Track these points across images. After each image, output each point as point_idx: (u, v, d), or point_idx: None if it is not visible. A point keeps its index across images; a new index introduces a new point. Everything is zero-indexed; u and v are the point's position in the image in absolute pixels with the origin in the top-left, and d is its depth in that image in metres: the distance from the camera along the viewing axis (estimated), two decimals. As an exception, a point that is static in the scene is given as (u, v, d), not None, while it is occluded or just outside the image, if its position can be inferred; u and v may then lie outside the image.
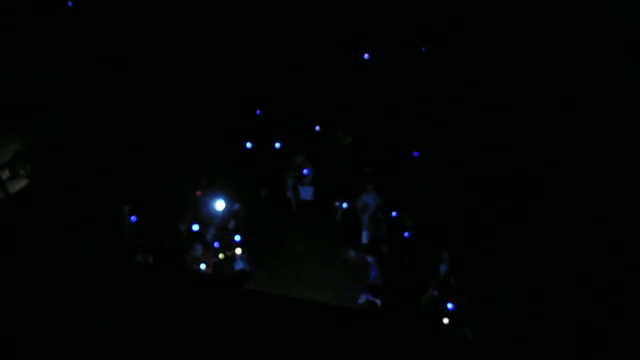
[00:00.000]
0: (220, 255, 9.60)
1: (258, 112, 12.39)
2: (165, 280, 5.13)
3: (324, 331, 4.66)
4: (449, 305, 8.64)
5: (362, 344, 4.60)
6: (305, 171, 11.36)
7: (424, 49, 12.73)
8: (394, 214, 10.35)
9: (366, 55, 13.26)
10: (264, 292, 7.58)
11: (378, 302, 9.15)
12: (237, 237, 9.79)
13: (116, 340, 4.42)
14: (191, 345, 4.41)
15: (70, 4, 12.64)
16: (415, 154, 11.36)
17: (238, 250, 9.65)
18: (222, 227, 10.12)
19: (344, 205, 11.23)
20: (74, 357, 4.44)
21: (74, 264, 5.67)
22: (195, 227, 9.84)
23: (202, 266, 9.28)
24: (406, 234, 9.96)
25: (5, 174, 10.48)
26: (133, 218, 9.79)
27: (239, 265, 9.55)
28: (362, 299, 9.14)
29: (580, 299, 8.21)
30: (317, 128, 12.15)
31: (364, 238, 10.59)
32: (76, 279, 5.20)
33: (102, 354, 4.32)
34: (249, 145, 11.77)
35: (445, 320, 8.54)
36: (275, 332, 4.58)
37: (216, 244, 9.73)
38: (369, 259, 9.73)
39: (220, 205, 9.97)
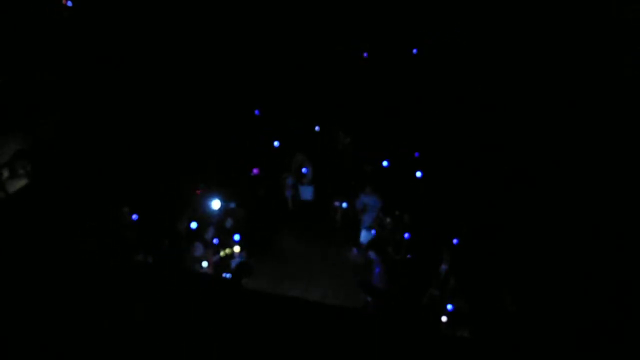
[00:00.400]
0: (222, 253, 9.60)
1: (256, 112, 12.39)
2: (165, 280, 5.12)
3: (324, 331, 4.65)
4: (449, 306, 8.64)
5: (362, 344, 4.60)
6: (304, 170, 11.37)
7: (420, 49, 12.71)
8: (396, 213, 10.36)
9: (365, 54, 13.25)
10: (264, 292, 7.60)
11: (369, 298, 9.14)
12: (237, 237, 9.81)
13: (116, 340, 4.42)
14: (191, 345, 4.40)
15: (69, 3, 12.61)
16: (416, 154, 11.36)
17: (236, 249, 9.67)
18: (220, 226, 10.12)
19: (344, 205, 11.25)
20: (73, 357, 4.43)
21: (73, 264, 5.67)
22: (194, 226, 9.84)
23: (204, 264, 9.27)
24: (406, 235, 9.97)
25: (5, 173, 10.47)
26: (134, 217, 9.78)
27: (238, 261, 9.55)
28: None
29: (581, 299, 8.20)
30: (317, 128, 12.15)
31: (362, 238, 10.60)
32: (76, 278, 5.20)
33: (102, 354, 4.32)
34: (249, 144, 11.79)
35: (444, 319, 8.53)
36: (275, 332, 4.57)
37: (215, 241, 9.74)
38: (372, 254, 9.76)
39: (216, 204, 10.00)
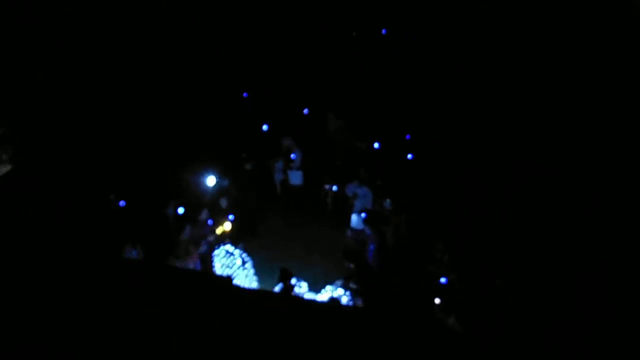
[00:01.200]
0: (218, 231, 9.55)
1: (244, 94, 12.23)
2: (155, 278, 5.02)
3: (315, 329, 4.62)
4: (442, 279, 8.70)
5: (358, 342, 4.56)
6: (292, 155, 11.29)
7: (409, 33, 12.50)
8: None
9: (354, 34, 13.03)
10: (252, 289, 7.59)
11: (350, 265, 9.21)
12: (231, 217, 9.80)
13: (105, 341, 4.33)
14: (180, 344, 4.34)
15: None
16: (407, 137, 11.31)
17: (227, 226, 9.62)
18: (214, 207, 10.05)
19: (334, 188, 11.22)
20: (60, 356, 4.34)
21: (59, 254, 5.56)
22: (181, 211, 9.76)
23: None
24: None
25: (-12, 159, 10.27)
26: (121, 203, 9.66)
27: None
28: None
29: (575, 292, 8.21)
30: (306, 111, 12.02)
31: (353, 222, 10.58)
32: (61, 270, 5.09)
33: (90, 354, 4.23)
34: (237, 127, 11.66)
35: (437, 301, 8.56)
36: (267, 330, 4.52)
37: (210, 222, 9.70)
38: (367, 230, 9.84)
39: (211, 180, 9.94)
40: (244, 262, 9.04)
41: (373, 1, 12.69)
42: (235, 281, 8.73)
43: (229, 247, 9.13)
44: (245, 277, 8.99)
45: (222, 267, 8.95)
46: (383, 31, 12.66)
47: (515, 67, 11.41)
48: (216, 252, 9.10)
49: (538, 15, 11.44)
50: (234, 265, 8.92)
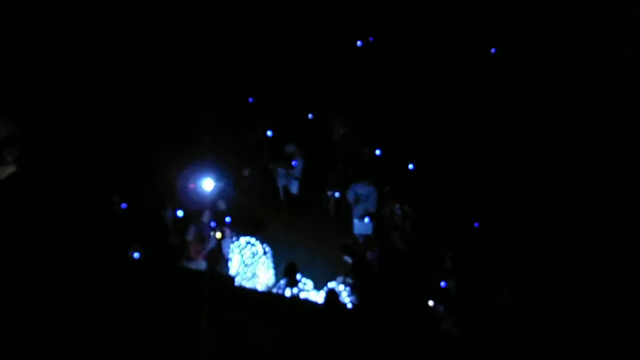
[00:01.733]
0: (218, 235, 9.57)
1: (250, 99, 12.25)
2: (158, 278, 5.05)
3: (312, 328, 4.64)
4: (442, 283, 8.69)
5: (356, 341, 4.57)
6: (294, 163, 11.27)
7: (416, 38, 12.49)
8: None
9: (359, 43, 13.06)
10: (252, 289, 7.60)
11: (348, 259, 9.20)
12: (228, 219, 9.77)
13: (105, 340, 4.36)
14: (181, 343, 4.36)
15: None
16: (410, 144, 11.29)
17: (224, 231, 9.66)
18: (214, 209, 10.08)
19: (336, 194, 11.22)
20: (60, 355, 4.37)
21: (63, 255, 5.61)
22: (180, 214, 9.78)
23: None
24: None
25: (-8, 161, 10.30)
26: (123, 205, 9.70)
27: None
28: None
29: (579, 297, 8.17)
30: (310, 116, 12.02)
31: (356, 228, 10.56)
32: (65, 271, 5.13)
33: (90, 354, 4.26)
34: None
35: (431, 303, 8.54)
36: (266, 330, 4.55)
37: (213, 224, 9.72)
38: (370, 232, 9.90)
39: (209, 184, 10.00)
40: (265, 252, 9.14)
41: (374, 3, 12.69)
42: (255, 270, 8.94)
43: (249, 238, 9.20)
44: (265, 267, 9.10)
45: (244, 257, 9.02)
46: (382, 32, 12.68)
47: (515, 67, 11.42)
48: (236, 243, 9.18)
49: (538, 15, 11.45)
50: (255, 255, 9.04)
